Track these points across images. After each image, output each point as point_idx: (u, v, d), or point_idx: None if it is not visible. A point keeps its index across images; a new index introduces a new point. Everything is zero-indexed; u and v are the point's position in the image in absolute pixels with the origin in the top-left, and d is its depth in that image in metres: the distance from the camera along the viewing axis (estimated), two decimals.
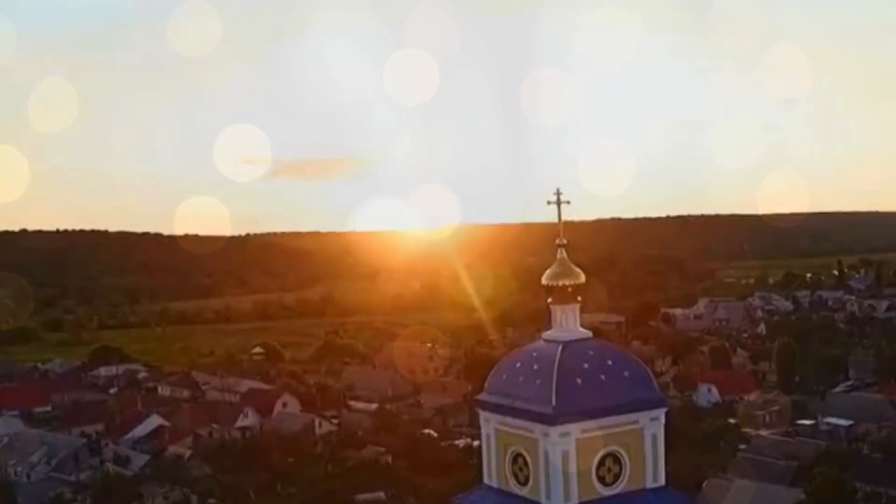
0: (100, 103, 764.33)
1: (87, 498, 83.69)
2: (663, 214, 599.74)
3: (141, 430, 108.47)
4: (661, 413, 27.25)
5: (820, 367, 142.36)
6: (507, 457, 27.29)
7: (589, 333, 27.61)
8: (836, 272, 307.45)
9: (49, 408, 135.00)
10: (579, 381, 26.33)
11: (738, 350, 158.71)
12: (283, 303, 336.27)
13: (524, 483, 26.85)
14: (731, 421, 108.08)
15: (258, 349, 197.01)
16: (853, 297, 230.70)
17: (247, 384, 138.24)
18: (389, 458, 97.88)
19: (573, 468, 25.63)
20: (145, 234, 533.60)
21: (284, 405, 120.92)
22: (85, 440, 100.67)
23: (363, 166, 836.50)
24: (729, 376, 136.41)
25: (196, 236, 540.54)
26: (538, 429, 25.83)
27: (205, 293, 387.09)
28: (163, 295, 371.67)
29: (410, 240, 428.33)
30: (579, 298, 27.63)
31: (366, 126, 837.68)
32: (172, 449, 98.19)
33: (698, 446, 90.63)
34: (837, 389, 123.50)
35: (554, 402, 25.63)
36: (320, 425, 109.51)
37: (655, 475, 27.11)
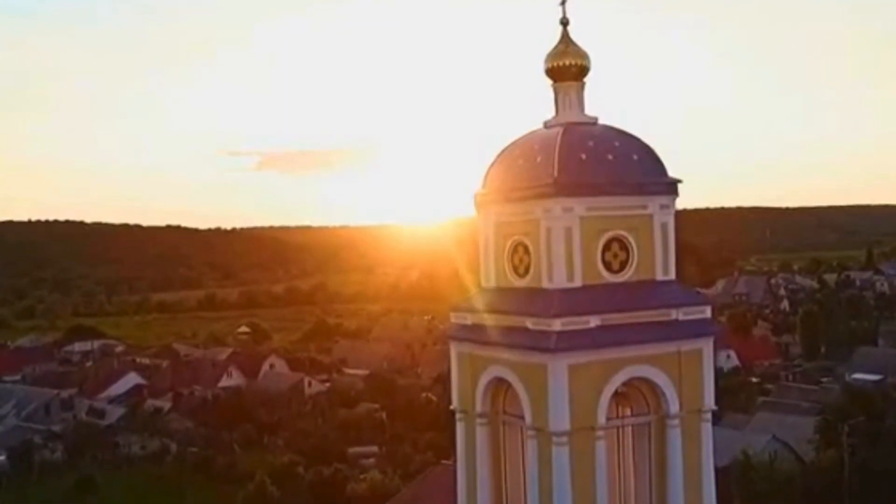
0: (78, 92, 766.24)
1: (59, 445, 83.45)
2: (679, 207, 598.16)
3: (117, 388, 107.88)
4: (671, 200, 26.83)
5: (847, 337, 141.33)
6: (507, 250, 26.80)
7: (596, 117, 27.20)
8: (865, 258, 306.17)
9: (18, 377, 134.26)
10: (584, 156, 25.80)
11: (760, 322, 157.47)
12: (272, 292, 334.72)
13: (524, 274, 26.27)
14: (753, 380, 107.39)
15: (244, 328, 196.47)
16: (883, 278, 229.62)
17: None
18: (384, 416, 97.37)
19: (576, 248, 25.09)
20: (124, 226, 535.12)
21: (272, 367, 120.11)
22: (56, 392, 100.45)
23: (355, 158, 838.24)
24: (749, 343, 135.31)
25: (178, 227, 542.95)
26: (539, 207, 25.27)
27: (186, 285, 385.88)
28: (141, 286, 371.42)
29: (406, 234, 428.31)
30: (585, 81, 27.18)
31: (358, 117, 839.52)
32: (151, 402, 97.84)
33: (716, 401, 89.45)
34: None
35: (556, 175, 25.12)
36: (310, 385, 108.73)
37: (665, 268, 26.56)
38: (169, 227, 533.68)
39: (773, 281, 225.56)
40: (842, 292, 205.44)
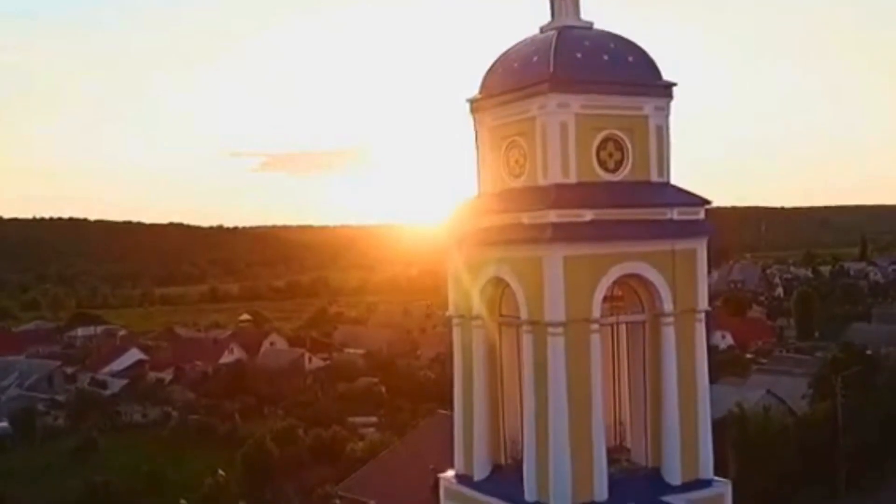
0: (83, 94, 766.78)
1: (61, 413, 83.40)
2: None
3: (119, 363, 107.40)
4: (666, 104, 26.68)
5: (841, 320, 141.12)
6: (503, 152, 26.70)
7: (591, 22, 27.05)
8: (859, 251, 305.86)
9: (22, 356, 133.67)
10: (579, 55, 25.68)
11: (755, 307, 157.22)
12: (273, 286, 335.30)
13: (519, 174, 26.12)
14: (748, 356, 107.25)
15: (245, 316, 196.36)
16: (876, 268, 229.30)
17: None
18: (383, 389, 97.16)
19: (571, 145, 24.96)
20: (127, 223, 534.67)
21: (272, 344, 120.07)
22: (59, 363, 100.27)
23: (356, 159, 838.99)
24: (744, 325, 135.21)
25: (181, 225, 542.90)
26: (535, 104, 25.14)
27: (189, 280, 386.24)
28: (144, 282, 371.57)
29: (406, 234, 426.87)
30: None
31: (359, 119, 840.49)
32: (153, 374, 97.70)
33: (711, 371, 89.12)
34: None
35: (551, 70, 25.01)
36: (310, 360, 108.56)
37: (660, 170, 26.40)
38: (171, 224, 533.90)
39: (768, 270, 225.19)
40: (836, 281, 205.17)
